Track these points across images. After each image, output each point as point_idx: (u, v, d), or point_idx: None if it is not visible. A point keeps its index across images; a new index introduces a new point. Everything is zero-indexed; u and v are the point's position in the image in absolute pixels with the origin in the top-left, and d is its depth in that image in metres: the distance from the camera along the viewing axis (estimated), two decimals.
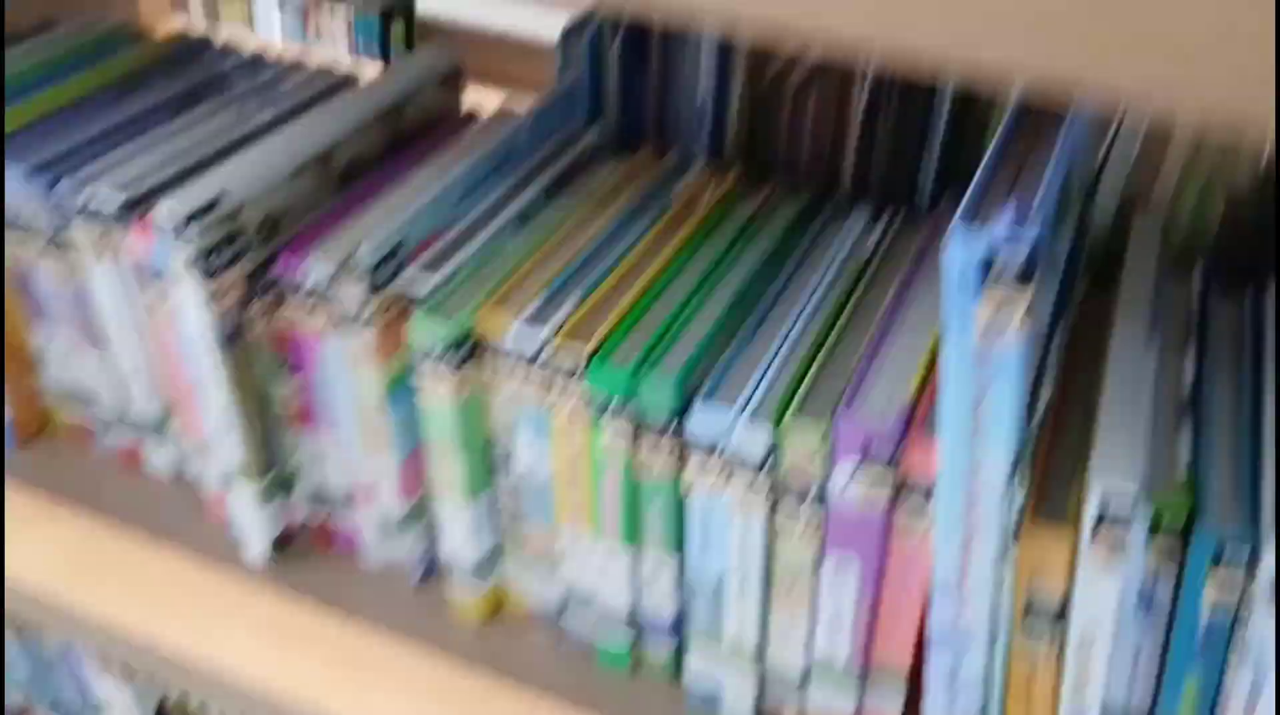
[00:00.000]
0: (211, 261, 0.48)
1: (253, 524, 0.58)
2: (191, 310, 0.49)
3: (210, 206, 0.47)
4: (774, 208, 0.54)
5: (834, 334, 0.46)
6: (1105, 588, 0.39)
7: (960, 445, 0.35)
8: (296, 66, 0.63)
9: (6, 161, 0.55)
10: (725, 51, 0.60)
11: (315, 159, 0.51)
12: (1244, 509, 0.39)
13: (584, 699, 0.54)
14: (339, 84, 0.62)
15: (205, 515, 0.63)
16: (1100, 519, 0.37)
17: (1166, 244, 0.53)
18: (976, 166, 0.59)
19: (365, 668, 0.56)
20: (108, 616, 0.58)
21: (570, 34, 0.63)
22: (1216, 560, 0.39)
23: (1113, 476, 0.36)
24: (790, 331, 0.46)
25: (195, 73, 0.63)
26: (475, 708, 0.54)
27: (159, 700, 0.85)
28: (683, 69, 0.62)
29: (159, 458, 0.64)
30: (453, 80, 0.61)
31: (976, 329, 0.32)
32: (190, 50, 0.65)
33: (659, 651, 0.54)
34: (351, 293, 0.47)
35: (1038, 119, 0.38)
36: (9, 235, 0.58)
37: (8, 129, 0.58)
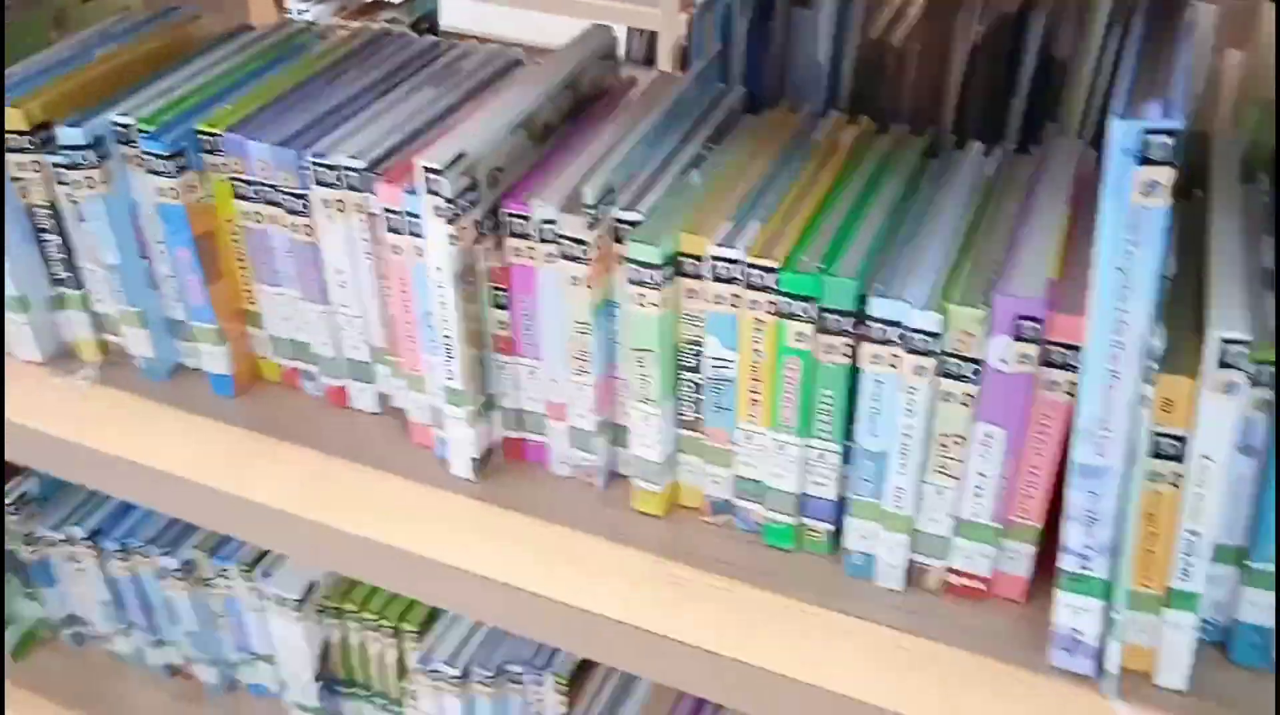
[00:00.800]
0: (455, 207, 0.58)
1: (460, 444, 0.68)
2: (435, 250, 0.59)
3: (456, 160, 0.57)
4: (904, 145, 0.64)
5: (976, 238, 0.56)
6: (1221, 423, 0.48)
7: (1112, 299, 0.45)
8: (471, 50, 0.73)
9: (248, 139, 0.66)
10: (841, 17, 0.70)
11: (524, 121, 0.62)
12: None
13: (754, 574, 0.64)
14: (511, 64, 0.72)
15: (410, 441, 0.73)
16: (1219, 364, 0.47)
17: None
18: (1058, 110, 0.69)
19: (565, 561, 0.66)
20: (338, 530, 0.68)
21: (702, 12, 0.73)
22: None
23: (1230, 328, 0.46)
24: (939, 237, 0.56)
25: (387, 60, 0.73)
26: (658, 587, 0.64)
27: (324, 640, 0.96)
28: (803, 36, 0.72)
29: (364, 396, 0.74)
30: (610, 55, 0.71)
31: (1132, 200, 0.42)
32: (377, 41, 0.75)
33: (820, 529, 0.64)
34: (575, 226, 0.57)
35: (1159, 33, 0.48)
36: (247, 206, 0.68)
37: (239, 115, 0.68)
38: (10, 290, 0.76)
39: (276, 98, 0.69)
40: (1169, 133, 0.41)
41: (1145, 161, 0.42)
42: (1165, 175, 0.42)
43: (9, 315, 0.77)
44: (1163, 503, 0.51)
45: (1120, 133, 0.41)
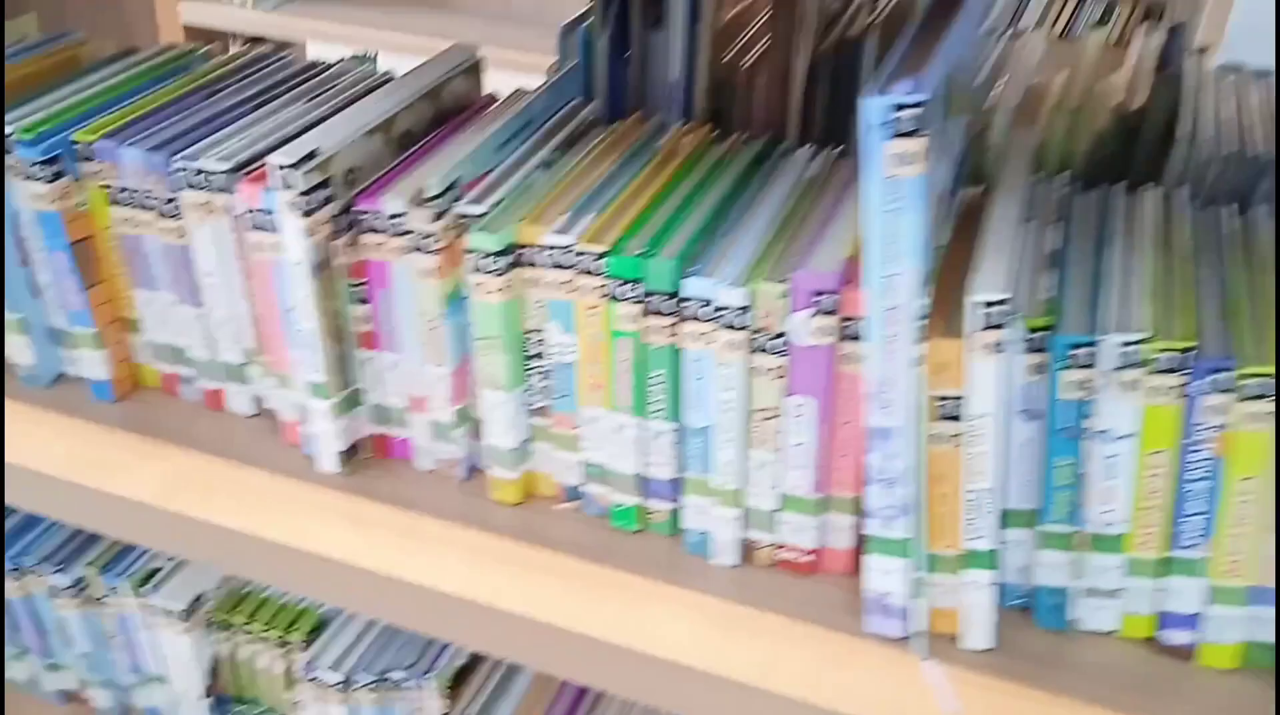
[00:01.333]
0: (309, 201, 0.62)
1: (326, 438, 0.71)
2: (292, 244, 0.63)
3: (309, 157, 0.61)
4: (739, 150, 0.69)
5: (791, 226, 0.61)
6: (988, 383, 0.53)
7: (881, 265, 0.50)
8: (345, 70, 0.78)
9: (122, 145, 0.69)
10: (691, 40, 0.76)
11: (381, 125, 0.66)
12: (1087, 322, 0.54)
13: (600, 555, 0.67)
14: (382, 81, 0.77)
15: (282, 441, 0.76)
16: (984, 325, 0.52)
17: (1043, 161, 0.69)
18: None
19: (425, 547, 0.68)
20: (213, 525, 0.71)
21: (566, 32, 0.79)
22: (1068, 361, 0.53)
23: (989, 291, 0.51)
24: (757, 226, 0.61)
25: (264, 78, 0.77)
26: (513, 569, 0.67)
27: (213, 656, 0.97)
28: (656, 57, 0.78)
29: (239, 399, 0.77)
30: (474, 69, 0.75)
31: (888, 171, 0.47)
32: (258, 61, 0.80)
33: (661, 510, 0.67)
34: (422, 218, 0.61)
35: (928, 35, 0.53)
36: (122, 212, 0.72)
37: (116, 125, 0.71)
38: None
39: (153, 110, 0.73)
40: (916, 105, 0.46)
41: (897, 134, 0.47)
42: (916, 145, 0.47)
43: None
44: (947, 463, 0.55)
45: (870, 110, 0.46)
